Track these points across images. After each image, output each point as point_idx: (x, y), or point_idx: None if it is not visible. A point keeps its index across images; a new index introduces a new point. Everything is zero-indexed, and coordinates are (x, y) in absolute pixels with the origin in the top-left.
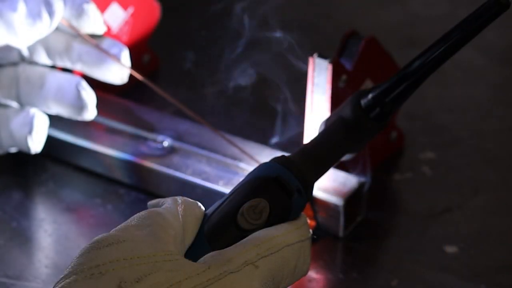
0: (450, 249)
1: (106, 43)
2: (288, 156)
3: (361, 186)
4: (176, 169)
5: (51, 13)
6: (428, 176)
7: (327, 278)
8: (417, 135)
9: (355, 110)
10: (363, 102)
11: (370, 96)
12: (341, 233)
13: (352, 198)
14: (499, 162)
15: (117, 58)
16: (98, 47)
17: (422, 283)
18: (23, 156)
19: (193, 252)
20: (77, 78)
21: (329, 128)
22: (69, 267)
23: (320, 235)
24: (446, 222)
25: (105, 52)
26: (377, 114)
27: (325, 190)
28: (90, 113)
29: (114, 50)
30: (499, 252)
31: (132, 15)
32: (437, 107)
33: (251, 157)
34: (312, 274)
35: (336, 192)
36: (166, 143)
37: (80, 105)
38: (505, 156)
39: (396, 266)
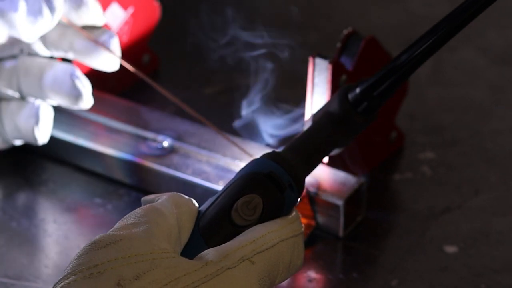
0: (450, 249)
1: (96, 32)
2: (279, 152)
3: (361, 186)
4: (176, 169)
5: (52, 9)
6: (428, 176)
7: (327, 278)
8: (417, 135)
9: (342, 105)
10: (350, 96)
11: (357, 90)
12: (341, 233)
13: (352, 198)
14: (499, 162)
15: (106, 45)
16: (88, 36)
17: (422, 283)
18: (23, 156)
19: (189, 249)
20: (71, 68)
21: (318, 123)
22: (68, 268)
23: (320, 235)
24: (446, 222)
25: (95, 41)
26: (365, 108)
27: (325, 190)
28: (86, 102)
29: (103, 37)
30: (499, 252)
31: (132, 15)
32: (437, 107)
33: (251, 156)
34: (312, 274)
35: (336, 192)
36: (166, 143)
37: (75, 94)
38: (505, 156)
39: (396, 266)
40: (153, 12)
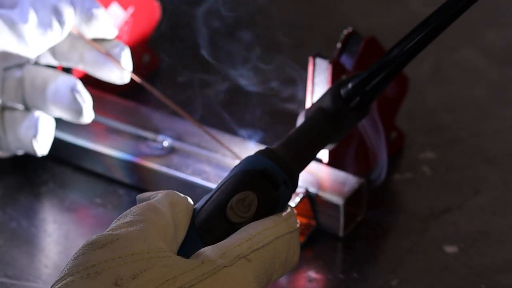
0: (450, 249)
1: (107, 44)
2: (272, 149)
3: (361, 186)
4: (176, 169)
5: (61, 22)
6: (428, 176)
7: (327, 278)
8: (417, 135)
9: (335, 100)
10: (342, 91)
11: (350, 85)
12: (341, 233)
13: (352, 198)
14: (499, 162)
15: (117, 58)
16: (99, 48)
17: (422, 283)
18: (23, 157)
19: (185, 247)
20: (72, 81)
21: (310, 119)
22: (65, 269)
23: (320, 235)
24: (446, 222)
25: (106, 53)
26: (357, 103)
27: (325, 190)
28: (86, 116)
29: (115, 50)
30: (499, 252)
31: (132, 15)
32: (437, 107)
33: (238, 157)
34: (312, 274)
35: (336, 192)
36: (166, 143)
37: (75, 109)
38: (505, 156)
39: (396, 266)
40: (153, 12)
